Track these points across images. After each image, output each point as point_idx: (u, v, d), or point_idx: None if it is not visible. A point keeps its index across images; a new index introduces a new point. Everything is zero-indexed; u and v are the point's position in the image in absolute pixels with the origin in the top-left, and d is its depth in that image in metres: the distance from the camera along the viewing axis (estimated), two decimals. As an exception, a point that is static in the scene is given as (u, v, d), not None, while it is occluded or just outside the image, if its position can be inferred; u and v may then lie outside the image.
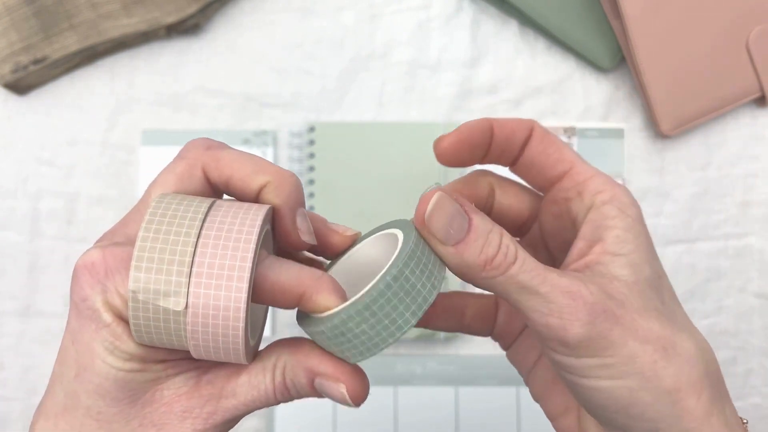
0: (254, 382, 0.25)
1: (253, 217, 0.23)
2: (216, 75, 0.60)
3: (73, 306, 0.24)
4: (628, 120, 0.60)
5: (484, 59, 0.60)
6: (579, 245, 0.26)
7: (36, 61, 0.58)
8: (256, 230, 0.23)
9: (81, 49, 0.58)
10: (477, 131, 0.28)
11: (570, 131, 0.59)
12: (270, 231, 0.26)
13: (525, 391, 0.57)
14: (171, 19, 0.58)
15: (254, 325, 0.26)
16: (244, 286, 0.22)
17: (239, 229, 0.23)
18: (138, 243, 0.22)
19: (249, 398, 0.25)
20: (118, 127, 0.60)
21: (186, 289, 0.22)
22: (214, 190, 0.26)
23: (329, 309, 0.24)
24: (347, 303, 0.23)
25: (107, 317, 0.23)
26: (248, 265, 0.22)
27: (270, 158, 0.59)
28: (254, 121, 0.59)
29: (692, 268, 0.59)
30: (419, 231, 0.25)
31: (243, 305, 0.22)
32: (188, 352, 0.24)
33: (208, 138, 0.27)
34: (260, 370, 0.25)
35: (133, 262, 0.22)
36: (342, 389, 0.24)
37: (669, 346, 0.24)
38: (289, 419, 0.56)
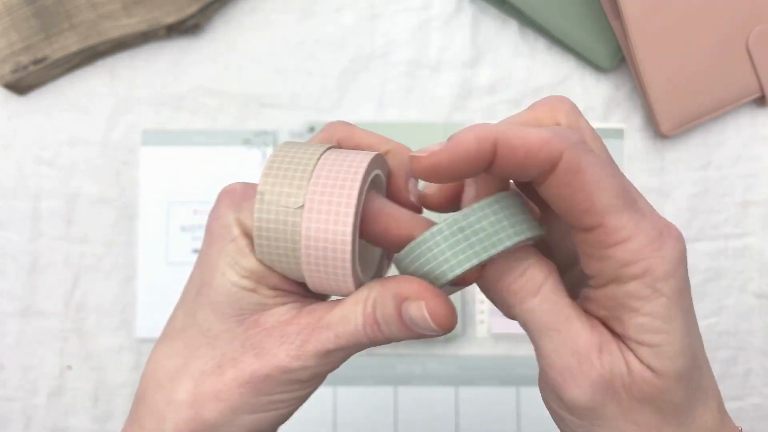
0: (346, 313, 0.25)
1: (363, 158, 0.25)
2: (216, 75, 0.60)
3: (207, 230, 0.26)
4: (628, 120, 0.60)
5: (484, 59, 0.60)
6: (600, 315, 0.24)
7: (36, 61, 0.58)
8: (365, 166, 0.24)
9: (81, 49, 0.58)
10: (466, 158, 0.22)
11: (570, 131, 0.59)
12: (383, 183, 0.28)
13: (525, 391, 0.57)
14: (171, 19, 0.58)
15: (367, 261, 0.27)
16: (351, 210, 0.23)
17: (348, 167, 0.24)
18: (267, 163, 0.25)
19: (340, 330, 0.25)
20: (118, 127, 0.60)
21: (304, 192, 0.24)
22: None
23: None
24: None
25: (235, 231, 0.25)
26: (355, 192, 0.23)
27: (270, 158, 0.59)
28: (254, 121, 0.59)
29: (692, 268, 0.59)
30: None
31: (350, 228, 0.23)
32: (299, 286, 0.26)
33: (344, 121, 0.29)
34: (353, 302, 0.25)
35: (263, 173, 0.24)
36: (422, 308, 0.24)
37: None
38: (289, 420, 0.56)
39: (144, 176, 0.59)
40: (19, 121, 0.60)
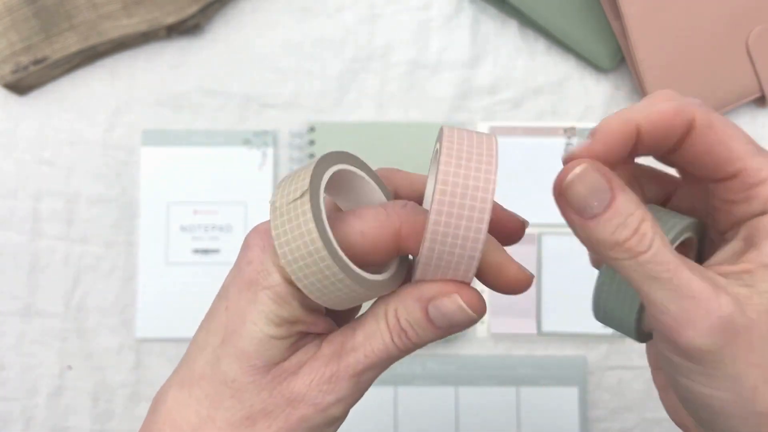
0: (369, 332, 0.25)
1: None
2: (216, 75, 0.60)
3: (237, 272, 0.25)
4: (628, 120, 0.60)
5: (484, 59, 0.60)
6: (734, 245, 0.24)
7: (36, 62, 0.58)
8: (494, 140, 0.24)
9: (81, 49, 0.58)
10: (618, 142, 0.24)
11: (570, 131, 0.59)
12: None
13: (525, 391, 0.57)
14: (171, 19, 0.58)
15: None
16: (493, 168, 0.23)
17: (478, 142, 0.24)
18: (271, 229, 0.24)
19: (368, 349, 0.24)
20: (118, 127, 0.60)
21: (313, 224, 0.23)
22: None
23: None
24: None
25: (275, 278, 0.24)
26: (494, 160, 0.23)
27: (270, 158, 0.59)
28: (254, 121, 0.59)
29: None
30: (555, 197, 0.24)
31: (491, 186, 0.22)
32: (324, 324, 0.25)
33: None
34: (373, 320, 0.25)
35: (276, 244, 0.23)
36: (458, 300, 0.24)
37: None
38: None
39: (144, 176, 0.59)
40: (19, 121, 0.60)
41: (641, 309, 0.25)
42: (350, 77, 0.60)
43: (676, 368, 0.24)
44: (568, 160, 0.24)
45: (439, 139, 0.24)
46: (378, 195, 0.27)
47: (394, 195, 0.28)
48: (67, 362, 0.58)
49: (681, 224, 0.25)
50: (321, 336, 0.26)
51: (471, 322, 0.24)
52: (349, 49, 0.60)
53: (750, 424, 0.23)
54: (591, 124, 0.59)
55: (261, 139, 0.59)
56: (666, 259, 0.22)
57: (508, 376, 0.57)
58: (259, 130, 0.59)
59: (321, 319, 0.26)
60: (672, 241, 0.25)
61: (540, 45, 0.60)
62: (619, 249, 0.23)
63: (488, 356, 0.58)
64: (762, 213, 0.24)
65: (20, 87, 0.59)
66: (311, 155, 0.58)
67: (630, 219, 0.23)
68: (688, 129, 0.24)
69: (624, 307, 0.26)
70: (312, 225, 0.22)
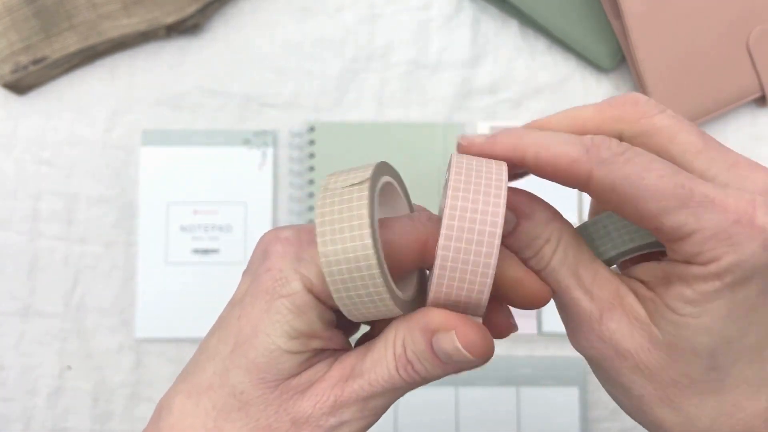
0: (377, 358, 0.24)
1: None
2: (216, 75, 0.60)
3: (254, 279, 0.24)
4: (629, 120, 0.60)
5: (484, 59, 0.60)
6: (655, 271, 0.24)
7: (36, 61, 0.58)
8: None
9: (81, 49, 0.58)
10: (504, 156, 0.24)
11: (570, 131, 0.59)
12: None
13: (525, 391, 0.57)
14: (171, 19, 0.58)
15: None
16: (501, 201, 0.22)
17: (488, 172, 0.23)
18: (317, 212, 0.22)
19: (372, 376, 0.24)
20: (118, 127, 0.60)
21: (370, 241, 0.21)
22: None
23: None
24: None
25: (296, 285, 0.23)
26: (502, 192, 0.22)
27: (270, 158, 0.59)
28: (254, 121, 0.59)
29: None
30: None
31: (500, 219, 0.22)
32: (342, 341, 0.25)
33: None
34: (382, 345, 0.24)
35: (318, 230, 0.22)
36: (454, 338, 0.23)
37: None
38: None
39: (144, 176, 0.58)
40: (19, 121, 0.60)
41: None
42: (350, 77, 0.60)
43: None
44: (462, 146, 0.25)
45: (449, 167, 0.24)
46: (405, 209, 0.27)
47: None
48: (66, 362, 0.58)
49: (626, 246, 0.26)
50: (335, 353, 0.25)
51: (472, 364, 0.24)
52: (349, 49, 0.60)
53: (650, 428, 0.25)
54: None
55: (261, 139, 0.59)
56: (558, 279, 0.24)
57: (508, 376, 0.57)
58: (259, 130, 0.59)
59: (336, 335, 0.25)
60: (614, 259, 0.26)
61: (540, 44, 0.60)
62: (527, 264, 0.24)
63: (488, 356, 0.57)
64: (688, 260, 0.22)
65: (20, 87, 0.59)
66: (311, 155, 0.58)
67: (533, 242, 0.24)
68: (585, 184, 0.23)
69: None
70: (366, 219, 0.21)
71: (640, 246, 0.25)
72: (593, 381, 0.57)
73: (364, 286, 0.22)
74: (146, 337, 0.58)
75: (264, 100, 0.60)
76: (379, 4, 0.60)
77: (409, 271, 0.25)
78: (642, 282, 0.24)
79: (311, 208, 0.58)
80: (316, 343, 0.24)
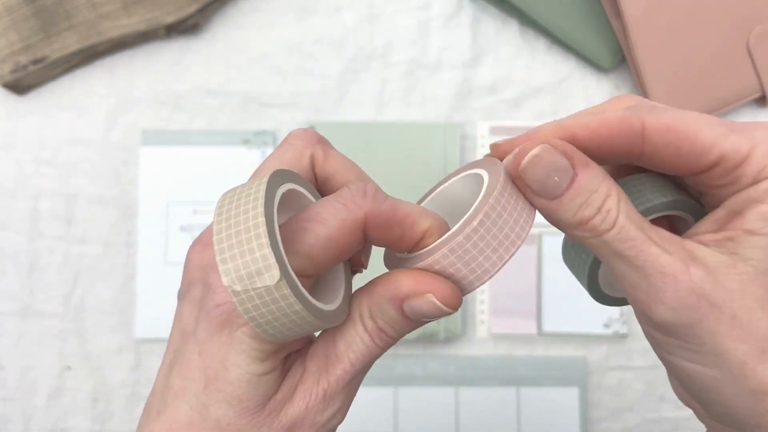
0: (349, 339, 0.24)
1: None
2: (216, 75, 0.60)
3: (204, 313, 0.24)
4: (629, 120, 0.60)
5: (484, 59, 0.60)
6: (718, 214, 0.23)
7: (35, 61, 0.58)
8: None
9: (81, 49, 0.58)
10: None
11: (570, 131, 0.59)
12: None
13: (525, 391, 0.57)
14: (170, 18, 0.58)
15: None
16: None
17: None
18: (214, 238, 0.21)
19: (352, 356, 0.24)
20: (117, 127, 0.59)
21: (273, 260, 0.20)
22: (318, 182, 0.26)
23: (429, 245, 0.23)
24: (440, 240, 0.23)
25: None
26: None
27: (270, 158, 0.59)
28: (254, 121, 0.59)
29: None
30: (513, 180, 0.23)
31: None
32: (305, 340, 0.25)
33: (315, 131, 0.27)
34: (351, 326, 0.24)
35: (217, 258, 0.20)
36: (431, 298, 0.23)
37: None
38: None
39: (143, 176, 0.58)
40: (19, 121, 0.60)
41: (592, 268, 0.26)
42: (350, 77, 0.60)
43: (659, 345, 0.23)
44: (501, 148, 0.24)
45: (483, 166, 0.25)
46: None
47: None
48: (66, 362, 0.58)
49: (659, 200, 0.25)
50: (300, 352, 0.25)
51: (443, 315, 0.24)
52: (349, 49, 0.60)
53: (745, 402, 0.22)
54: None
55: (261, 138, 0.59)
56: (631, 236, 0.22)
57: (508, 376, 0.57)
58: (258, 129, 0.59)
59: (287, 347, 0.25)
60: (646, 214, 0.24)
61: (540, 44, 0.60)
62: (583, 228, 0.22)
63: (488, 356, 0.57)
64: (752, 184, 0.23)
65: (19, 87, 0.59)
66: (311, 155, 0.58)
67: (593, 197, 0.22)
68: (640, 136, 0.23)
69: (579, 265, 0.26)
70: (262, 228, 0.20)
71: (672, 201, 0.25)
72: (593, 381, 0.57)
73: (274, 301, 0.20)
74: (146, 337, 0.58)
75: (264, 100, 0.60)
76: (378, 4, 0.60)
77: (351, 254, 0.24)
78: (698, 237, 0.23)
79: (311, 208, 0.58)
80: (284, 353, 0.24)
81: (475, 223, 0.22)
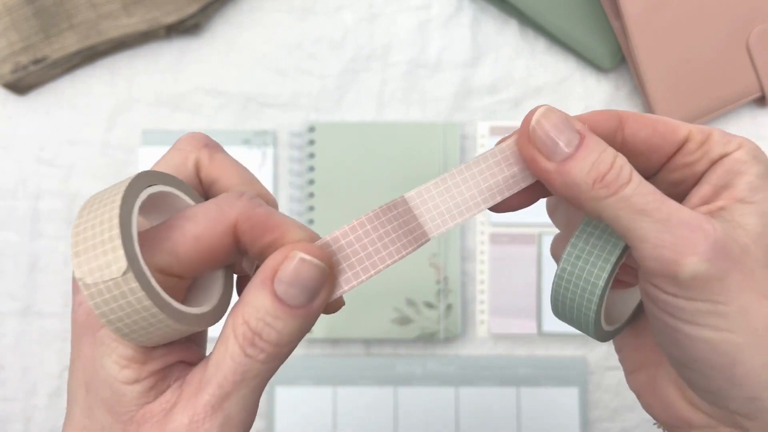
0: (219, 357, 0.21)
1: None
2: (216, 75, 0.60)
3: (73, 320, 0.23)
4: (629, 120, 0.60)
5: (484, 59, 0.60)
6: (703, 190, 0.24)
7: (36, 61, 0.58)
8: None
9: (81, 49, 0.58)
10: (603, 127, 0.25)
11: (570, 131, 0.59)
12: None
13: (525, 391, 0.57)
14: (171, 18, 0.58)
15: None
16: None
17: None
18: (72, 232, 0.21)
19: (221, 377, 0.21)
20: (117, 127, 0.60)
21: (121, 252, 0.20)
22: (204, 186, 0.26)
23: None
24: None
25: None
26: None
27: (270, 158, 0.59)
28: (254, 121, 0.59)
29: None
30: (521, 149, 0.23)
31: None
32: (185, 353, 0.23)
33: (206, 135, 0.26)
34: (221, 342, 0.22)
35: (72, 251, 0.20)
36: (297, 253, 0.21)
37: None
38: (289, 420, 0.56)
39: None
40: (19, 121, 0.60)
41: (601, 299, 0.25)
42: (350, 77, 0.60)
43: (682, 317, 0.22)
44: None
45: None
46: None
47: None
48: (66, 362, 0.58)
49: (621, 244, 0.25)
50: (186, 369, 0.23)
51: (322, 276, 0.21)
52: (348, 49, 0.60)
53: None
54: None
55: (261, 138, 0.59)
56: (649, 190, 0.22)
57: (508, 376, 0.57)
58: (258, 129, 0.59)
59: (184, 349, 0.23)
60: (615, 263, 0.25)
61: (540, 44, 0.60)
62: (599, 187, 0.22)
63: (488, 356, 0.57)
64: (722, 156, 0.24)
65: (20, 87, 0.59)
66: (311, 155, 0.58)
67: (603, 155, 0.22)
68: (618, 122, 0.24)
69: (584, 295, 0.25)
70: (117, 242, 0.20)
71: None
72: (593, 381, 0.57)
73: (123, 295, 0.20)
74: (146, 337, 0.58)
75: (264, 100, 0.60)
76: (378, 4, 0.60)
77: (229, 258, 0.23)
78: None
79: (311, 208, 0.58)
80: (154, 365, 0.22)
81: (371, 213, 0.23)
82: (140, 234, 0.22)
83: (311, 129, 0.58)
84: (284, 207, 0.59)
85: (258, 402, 0.22)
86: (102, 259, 0.20)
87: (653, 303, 0.23)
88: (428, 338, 0.57)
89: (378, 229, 0.23)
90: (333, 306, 0.24)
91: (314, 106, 0.60)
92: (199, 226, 0.22)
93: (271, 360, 0.21)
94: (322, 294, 0.22)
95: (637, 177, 0.22)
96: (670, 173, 0.25)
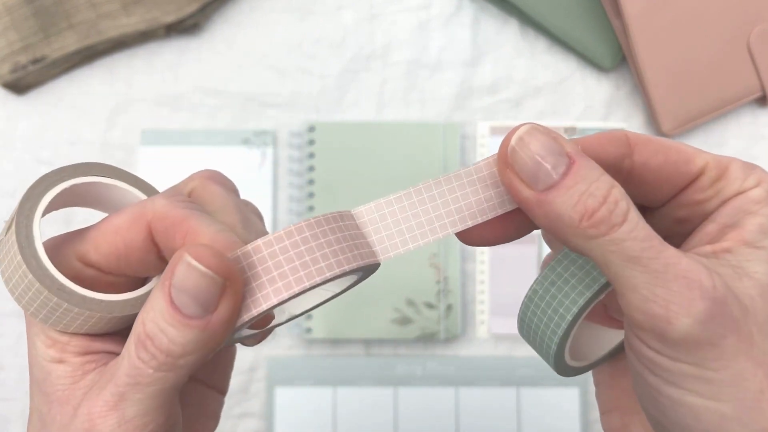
0: (121, 356, 0.20)
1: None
2: (216, 75, 0.60)
3: None
4: (629, 120, 0.60)
5: (485, 59, 0.60)
6: (708, 228, 0.21)
7: (35, 61, 0.57)
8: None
9: (80, 48, 0.58)
10: (602, 152, 0.22)
11: (570, 131, 0.59)
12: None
13: (525, 392, 0.57)
14: (170, 18, 0.57)
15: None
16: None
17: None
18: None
19: (118, 374, 0.20)
20: (117, 127, 0.59)
21: (13, 220, 0.21)
22: None
23: None
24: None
25: None
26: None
27: (270, 158, 0.59)
28: (254, 121, 0.59)
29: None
30: (499, 174, 0.20)
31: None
32: (113, 342, 0.23)
33: (218, 172, 0.25)
34: (130, 335, 0.20)
35: None
36: (187, 259, 0.19)
37: None
38: (289, 420, 0.56)
39: (143, 176, 0.58)
40: (19, 120, 0.60)
41: (566, 333, 0.23)
42: (350, 77, 0.60)
43: (665, 377, 0.20)
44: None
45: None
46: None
47: None
48: (66, 363, 0.58)
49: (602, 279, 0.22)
50: (113, 358, 0.22)
51: (214, 288, 0.19)
52: (348, 48, 0.60)
53: None
54: (592, 124, 0.59)
55: (260, 138, 0.59)
56: (646, 234, 0.19)
57: (508, 376, 0.57)
58: (258, 129, 0.59)
59: (100, 338, 0.22)
60: (606, 288, 0.22)
61: (540, 44, 0.60)
62: (586, 225, 0.19)
63: (489, 357, 0.57)
64: (737, 194, 0.21)
65: (19, 86, 0.59)
66: (311, 155, 0.58)
67: (596, 185, 0.19)
68: (626, 145, 0.22)
69: (549, 325, 0.23)
70: (19, 257, 0.20)
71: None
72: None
73: (21, 279, 0.21)
74: (146, 337, 0.58)
75: (264, 100, 0.59)
76: (378, 4, 0.60)
77: (155, 259, 0.22)
78: (694, 251, 0.22)
79: (311, 208, 0.57)
80: (76, 345, 0.22)
81: (292, 227, 0.20)
82: (80, 228, 0.23)
83: (311, 129, 0.58)
84: (284, 207, 0.59)
85: (166, 406, 0.20)
86: (4, 227, 0.21)
87: (635, 356, 0.21)
88: (428, 338, 0.57)
89: (318, 237, 0.20)
90: (260, 335, 0.23)
91: (314, 106, 0.59)
92: (120, 219, 0.21)
93: (163, 369, 0.19)
94: (221, 309, 0.19)
95: (633, 216, 0.19)
96: (676, 209, 0.22)
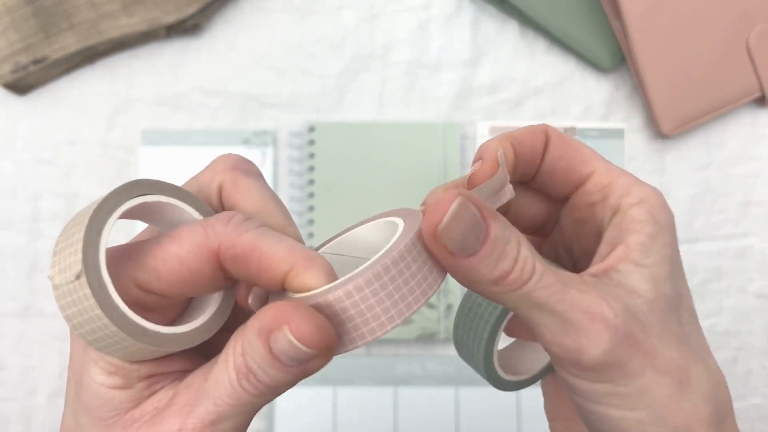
0: (218, 373, 0.21)
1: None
2: (216, 75, 0.60)
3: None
4: (629, 120, 0.60)
5: (485, 59, 0.60)
6: (601, 250, 0.24)
7: (36, 61, 0.58)
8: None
9: (81, 49, 0.58)
10: (499, 160, 0.24)
11: (570, 131, 0.59)
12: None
13: (525, 392, 0.57)
14: (171, 18, 0.58)
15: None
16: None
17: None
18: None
19: (217, 396, 0.21)
20: (117, 127, 0.60)
21: (80, 256, 0.20)
22: (226, 209, 0.25)
23: (315, 289, 0.21)
24: (331, 285, 0.21)
25: None
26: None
27: (270, 158, 0.59)
28: (254, 121, 0.59)
29: (693, 269, 0.59)
30: (427, 243, 0.21)
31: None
32: (179, 362, 0.23)
33: (240, 157, 0.26)
34: (222, 362, 0.21)
35: (52, 259, 0.21)
36: (287, 332, 0.19)
37: (684, 378, 0.22)
38: (289, 420, 0.56)
39: (143, 176, 0.58)
40: (19, 121, 0.60)
41: (488, 345, 0.25)
42: (350, 77, 0.60)
43: (587, 397, 0.23)
44: (470, 184, 0.24)
45: (400, 215, 0.24)
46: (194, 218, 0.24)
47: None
48: (66, 362, 0.58)
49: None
50: (178, 375, 0.23)
51: (316, 361, 0.20)
52: (349, 49, 0.60)
53: None
54: (591, 124, 0.59)
55: (260, 138, 0.59)
56: (551, 280, 0.21)
57: (508, 376, 0.57)
58: (258, 129, 0.59)
59: (169, 360, 0.23)
60: (502, 317, 0.25)
61: (540, 44, 0.60)
62: (502, 284, 0.21)
63: (488, 356, 0.57)
64: (618, 209, 0.24)
65: (20, 87, 0.59)
66: (311, 155, 0.58)
67: (508, 248, 0.21)
68: (546, 141, 0.25)
69: (474, 339, 0.26)
70: (79, 245, 0.20)
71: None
72: (593, 381, 0.57)
73: (78, 300, 0.20)
74: (146, 337, 0.58)
75: (264, 100, 0.60)
76: (378, 4, 0.60)
77: (218, 283, 0.22)
78: (587, 271, 0.24)
79: (311, 208, 0.58)
80: (143, 371, 0.22)
81: (379, 267, 0.20)
82: (129, 246, 0.22)
83: (311, 129, 0.58)
84: (284, 207, 0.59)
85: (248, 426, 0.22)
86: (67, 261, 0.20)
87: (561, 379, 0.24)
88: (428, 338, 0.57)
89: (378, 292, 0.20)
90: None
91: (314, 106, 0.60)
92: (183, 249, 0.21)
93: (265, 395, 0.21)
94: (317, 361, 0.21)
95: (540, 267, 0.21)
96: (574, 210, 0.26)
